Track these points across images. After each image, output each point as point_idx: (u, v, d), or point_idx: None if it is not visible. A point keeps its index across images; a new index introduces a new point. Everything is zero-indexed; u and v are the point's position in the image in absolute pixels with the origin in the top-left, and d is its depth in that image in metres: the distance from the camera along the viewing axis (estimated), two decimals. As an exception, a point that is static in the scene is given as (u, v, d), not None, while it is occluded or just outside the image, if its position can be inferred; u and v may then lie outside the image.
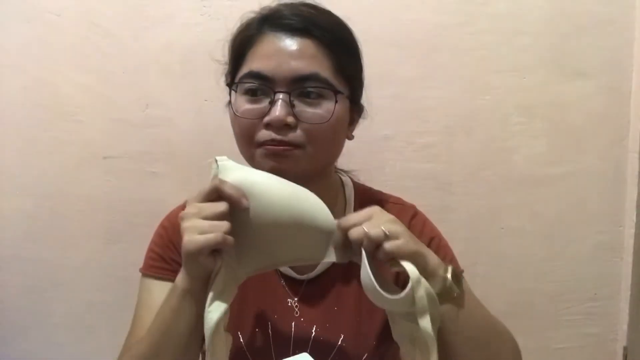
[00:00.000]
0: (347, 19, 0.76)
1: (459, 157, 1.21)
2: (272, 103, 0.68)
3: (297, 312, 0.77)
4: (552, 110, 1.20)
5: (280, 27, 0.70)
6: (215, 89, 0.81)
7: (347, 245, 0.62)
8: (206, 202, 0.60)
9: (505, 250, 1.24)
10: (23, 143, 1.23)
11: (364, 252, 0.59)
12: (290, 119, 0.67)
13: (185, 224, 0.59)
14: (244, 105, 0.70)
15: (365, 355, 0.76)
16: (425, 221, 0.83)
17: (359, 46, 0.77)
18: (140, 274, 0.80)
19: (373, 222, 0.61)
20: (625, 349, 1.25)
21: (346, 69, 0.72)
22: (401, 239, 0.60)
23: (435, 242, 0.80)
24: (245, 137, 0.71)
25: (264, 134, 0.68)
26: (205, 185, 0.61)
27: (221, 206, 0.59)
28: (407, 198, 0.86)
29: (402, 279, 0.70)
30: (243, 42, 0.73)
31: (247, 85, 0.70)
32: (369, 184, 0.89)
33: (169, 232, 0.79)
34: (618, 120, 1.20)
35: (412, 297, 0.58)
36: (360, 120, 0.80)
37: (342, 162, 0.84)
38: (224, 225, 0.58)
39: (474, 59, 1.18)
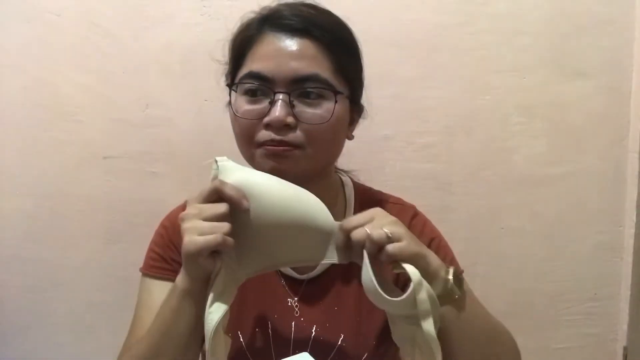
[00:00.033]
0: (347, 19, 0.75)
1: (459, 157, 1.21)
2: (272, 103, 0.68)
3: (297, 312, 0.77)
4: (552, 110, 1.20)
5: (280, 27, 0.70)
6: (215, 89, 0.81)
7: (349, 246, 0.62)
8: (206, 203, 0.60)
9: (505, 250, 1.24)
10: (23, 143, 1.23)
11: (365, 254, 0.59)
12: (290, 120, 0.67)
13: (186, 225, 0.59)
14: (244, 105, 0.70)
15: (365, 355, 0.76)
16: (425, 222, 0.83)
17: (359, 46, 0.76)
18: (140, 274, 0.80)
19: (375, 224, 0.61)
20: (625, 349, 1.25)
21: (346, 69, 0.72)
22: (403, 241, 0.60)
23: (435, 242, 0.80)
24: (245, 138, 0.71)
25: (264, 135, 0.68)
26: (206, 186, 0.61)
27: (221, 207, 0.59)
28: (407, 198, 0.86)
29: (401, 279, 0.70)
30: (243, 43, 0.73)
31: (247, 86, 0.70)
32: (369, 184, 0.89)
33: (169, 232, 0.79)
34: (618, 120, 1.20)
35: (413, 300, 0.58)
36: (360, 120, 0.80)
37: (342, 162, 0.84)
38: (224, 226, 0.58)
39: (474, 59, 1.18)
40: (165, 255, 0.78)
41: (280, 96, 0.68)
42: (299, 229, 0.61)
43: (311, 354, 0.62)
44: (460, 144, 1.20)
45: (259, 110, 0.69)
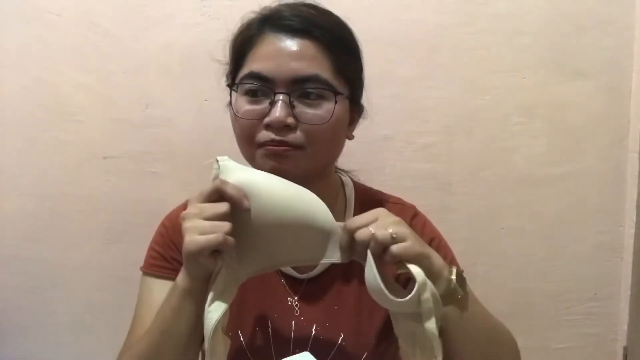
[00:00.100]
0: (347, 19, 0.76)
1: (459, 157, 1.21)
2: (272, 104, 0.68)
3: (297, 311, 0.77)
4: (552, 110, 1.20)
5: (280, 27, 0.70)
6: (215, 89, 0.81)
7: (351, 246, 0.62)
8: (208, 202, 0.60)
9: (505, 250, 1.24)
10: (23, 143, 1.23)
11: (370, 254, 0.59)
12: (290, 120, 0.67)
13: (187, 224, 0.59)
14: (245, 106, 0.70)
15: (365, 354, 0.76)
16: (425, 221, 0.83)
17: (359, 46, 0.77)
18: (140, 273, 0.80)
19: (379, 224, 0.61)
20: (625, 349, 1.25)
21: (346, 69, 0.72)
22: (408, 242, 0.60)
23: (436, 242, 0.80)
24: (245, 138, 0.71)
25: (264, 135, 0.68)
26: (207, 185, 0.61)
27: (222, 207, 0.59)
28: (407, 198, 0.87)
29: (403, 278, 0.70)
30: (243, 43, 0.73)
31: (248, 86, 0.70)
32: (369, 184, 0.89)
33: (170, 232, 0.79)
34: (618, 120, 1.20)
35: (417, 299, 0.58)
36: (360, 120, 0.80)
37: (342, 162, 0.84)
38: (225, 225, 0.58)
39: (474, 59, 1.18)
40: (166, 254, 0.78)
41: (281, 97, 0.68)
42: (300, 229, 0.62)
43: (311, 353, 0.62)
44: (460, 144, 1.20)
45: (259, 111, 0.69)
